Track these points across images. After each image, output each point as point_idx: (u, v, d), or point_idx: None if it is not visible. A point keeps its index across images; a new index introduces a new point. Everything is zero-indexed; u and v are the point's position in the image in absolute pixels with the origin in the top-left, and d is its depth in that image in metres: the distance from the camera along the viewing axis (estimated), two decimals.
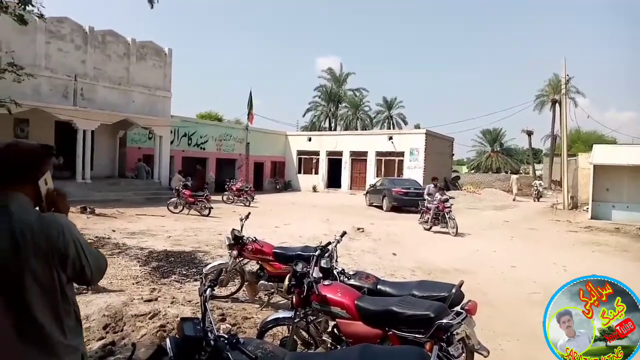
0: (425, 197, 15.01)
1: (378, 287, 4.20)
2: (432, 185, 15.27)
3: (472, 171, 63.05)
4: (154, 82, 22.45)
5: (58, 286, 1.71)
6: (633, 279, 6.70)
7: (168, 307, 5.43)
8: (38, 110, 17.44)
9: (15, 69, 5.21)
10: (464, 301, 3.83)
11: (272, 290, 5.68)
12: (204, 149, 27.92)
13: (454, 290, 3.81)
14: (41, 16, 4.80)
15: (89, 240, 6.71)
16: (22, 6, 4.60)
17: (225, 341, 2.21)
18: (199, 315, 2.49)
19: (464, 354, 3.47)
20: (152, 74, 22.40)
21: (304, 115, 54.25)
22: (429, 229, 13.93)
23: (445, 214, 13.40)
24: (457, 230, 13.08)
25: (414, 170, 28.14)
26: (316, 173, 33.18)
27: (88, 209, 13.81)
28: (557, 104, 40.67)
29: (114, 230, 11.13)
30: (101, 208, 14.51)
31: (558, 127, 38.45)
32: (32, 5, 4.59)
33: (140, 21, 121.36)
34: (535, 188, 28.54)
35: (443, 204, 13.59)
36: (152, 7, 4.42)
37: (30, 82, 16.11)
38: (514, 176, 33.15)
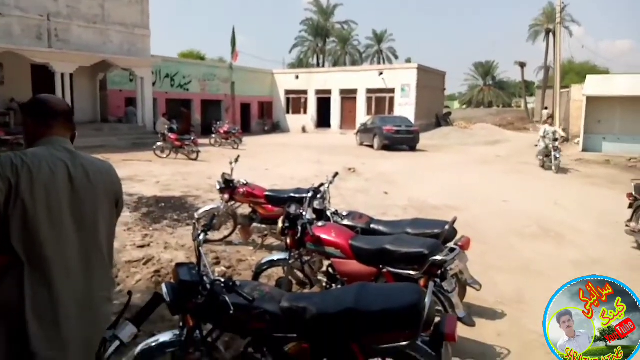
0: None
1: (371, 226, 4.20)
2: None
3: (464, 106, 62.66)
4: (131, 20, 21.30)
5: (114, 223, 1.93)
6: (621, 211, 6.80)
7: (161, 252, 5.42)
8: (11, 53, 16.60)
9: None
10: (457, 237, 3.86)
11: (266, 232, 5.70)
12: (187, 90, 27.08)
13: (447, 227, 3.83)
14: None
15: None
16: None
17: (222, 284, 2.20)
18: (194, 260, 2.46)
19: (457, 289, 3.52)
20: (129, 10, 21.18)
21: (290, 52, 52.63)
22: None
23: None
24: None
25: (405, 107, 27.64)
26: (305, 113, 32.59)
27: None
28: (551, 34, 39.71)
29: None
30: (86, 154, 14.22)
31: (552, 58, 37.79)
32: None
33: None
34: (552, 138, 13.48)
35: None
36: None
37: (0, 23, 15.27)
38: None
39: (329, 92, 31.40)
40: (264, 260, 4.11)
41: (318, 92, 31.95)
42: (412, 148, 20.21)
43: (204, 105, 28.12)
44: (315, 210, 4.21)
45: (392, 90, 28.90)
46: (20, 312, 1.59)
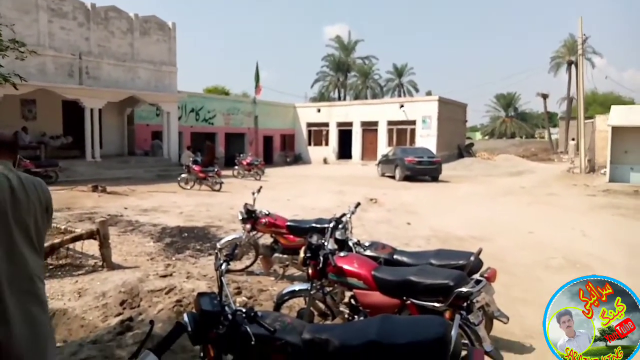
0: None
1: (394, 257, 4.14)
2: None
3: (486, 137, 62.34)
4: (159, 58, 22.21)
5: (45, 223, 2.29)
6: None
7: (183, 282, 5.42)
8: (44, 90, 17.40)
9: (17, 45, 4.99)
10: (483, 268, 3.77)
11: (287, 262, 5.67)
12: (212, 124, 27.79)
13: (472, 258, 3.76)
14: None
15: (101, 218, 6.71)
16: None
17: (243, 315, 2.18)
18: (215, 290, 2.45)
19: (483, 321, 3.42)
20: (157, 49, 22.13)
21: (312, 86, 53.71)
22: None
23: None
24: None
25: (426, 139, 27.67)
26: (326, 145, 32.92)
27: (99, 188, 13.83)
28: (573, 66, 39.49)
29: (126, 208, 11.17)
30: (112, 186, 14.56)
31: (574, 89, 37.48)
32: None
33: None
34: None
35: None
36: None
37: (35, 62, 16.04)
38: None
39: (350, 124, 31.72)
40: (285, 291, 4.06)
41: (339, 124, 32.31)
42: (435, 179, 20.07)
43: (228, 138, 28.72)
44: (337, 241, 4.18)
45: (413, 122, 29.01)
46: None
